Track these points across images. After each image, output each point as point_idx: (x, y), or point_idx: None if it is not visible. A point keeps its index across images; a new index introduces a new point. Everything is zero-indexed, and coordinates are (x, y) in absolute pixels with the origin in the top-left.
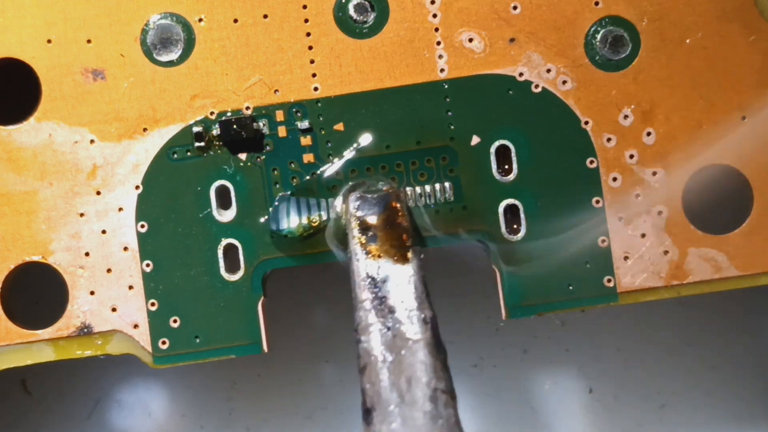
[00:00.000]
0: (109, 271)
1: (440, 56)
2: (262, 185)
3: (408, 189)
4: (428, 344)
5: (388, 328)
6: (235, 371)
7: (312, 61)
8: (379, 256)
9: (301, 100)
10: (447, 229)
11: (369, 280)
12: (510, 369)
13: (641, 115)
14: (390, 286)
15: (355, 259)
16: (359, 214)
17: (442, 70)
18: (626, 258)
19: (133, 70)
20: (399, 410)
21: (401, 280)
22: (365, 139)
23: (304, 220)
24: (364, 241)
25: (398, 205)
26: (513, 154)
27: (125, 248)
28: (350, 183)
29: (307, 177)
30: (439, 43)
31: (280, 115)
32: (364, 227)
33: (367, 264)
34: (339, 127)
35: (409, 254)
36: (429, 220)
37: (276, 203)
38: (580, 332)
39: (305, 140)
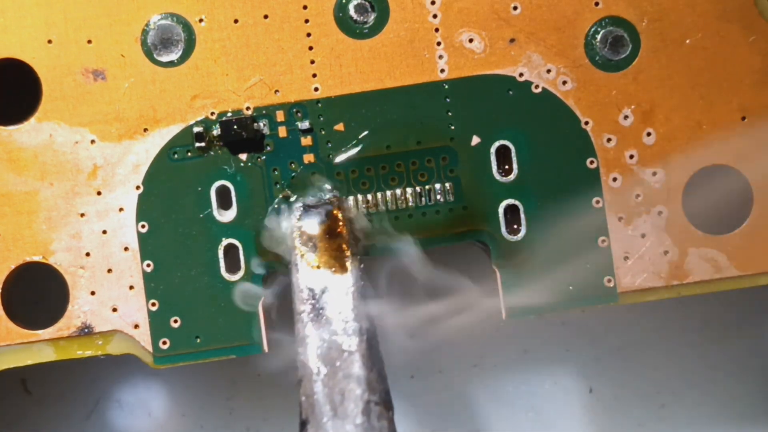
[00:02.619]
0: (109, 271)
1: (440, 56)
2: (262, 185)
3: (408, 189)
4: (363, 356)
5: (324, 340)
6: (235, 371)
7: (312, 62)
8: (318, 267)
9: (302, 101)
10: (447, 229)
11: (308, 291)
12: (510, 369)
13: (641, 115)
14: (328, 297)
15: (295, 271)
16: (299, 224)
17: (442, 71)
18: (626, 258)
19: (133, 71)
20: (332, 423)
21: (339, 291)
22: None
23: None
24: (304, 252)
25: (339, 215)
26: (513, 154)
27: (126, 248)
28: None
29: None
30: (439, 44)
31: (280, 116)
32: (305, 238)
33: (307, 275)
34: (339, 127)
35: (348, 264)
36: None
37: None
38: (580, 332)
39: (305, 140)
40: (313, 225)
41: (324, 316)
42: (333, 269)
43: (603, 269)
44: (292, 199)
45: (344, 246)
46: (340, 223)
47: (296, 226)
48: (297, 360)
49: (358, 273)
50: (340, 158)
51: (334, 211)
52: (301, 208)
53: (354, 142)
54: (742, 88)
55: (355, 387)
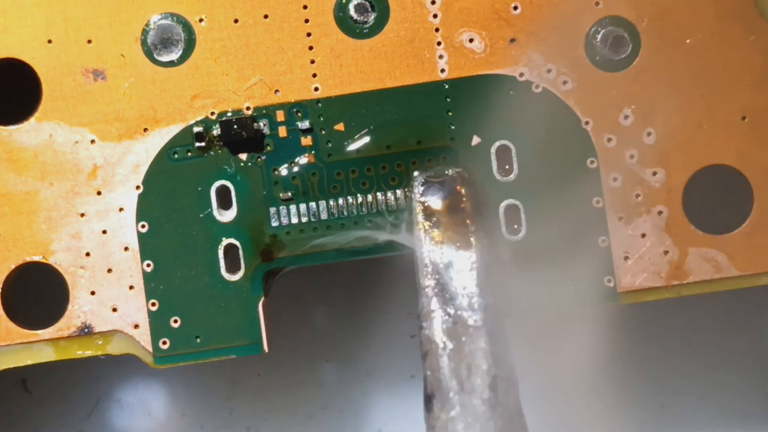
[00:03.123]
0: (109, 271)
1: (441, 56)
2: (262, 185)
3: (408, 189)
4: (489, 331)
5: (450, 315)
6: (235, 371)
7: (312, 62)
8: (442, 242)
9: (302, 100)
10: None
11: (431, 266)
12: None
13: (641, 115)
14: (452, 273)
15: (418, 246)
16: (423, 199)
17: (442, 71)
18: (626, 258)
19: (133, 71)
20: (458, 398)
21: (463, 267)
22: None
23: None
24: (427, 227)
25: (463, 190)
26: (513, 154)
27: (126, 248)
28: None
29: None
30: (439, 44)
31: (280, 115)
32: (428, 213)
33: (430, 250)
34: (339, 127)
35: (473, 239)
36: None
37: None
38: (580, 332)
39: (306, 140)
40: (436, 200)
41: (449, 291)
42: (457, 244)
43: (603, 269)
44: (415, 173)
45: (468, 221)
46: (464, 199)
47: (419, 201)
48: (421, 334)
49: (483, 248)
50: (352, 147)
51: (458, 187)
52: (423, 183)
53: (365, 131)
54: (742, 88)
55: (481, 362)
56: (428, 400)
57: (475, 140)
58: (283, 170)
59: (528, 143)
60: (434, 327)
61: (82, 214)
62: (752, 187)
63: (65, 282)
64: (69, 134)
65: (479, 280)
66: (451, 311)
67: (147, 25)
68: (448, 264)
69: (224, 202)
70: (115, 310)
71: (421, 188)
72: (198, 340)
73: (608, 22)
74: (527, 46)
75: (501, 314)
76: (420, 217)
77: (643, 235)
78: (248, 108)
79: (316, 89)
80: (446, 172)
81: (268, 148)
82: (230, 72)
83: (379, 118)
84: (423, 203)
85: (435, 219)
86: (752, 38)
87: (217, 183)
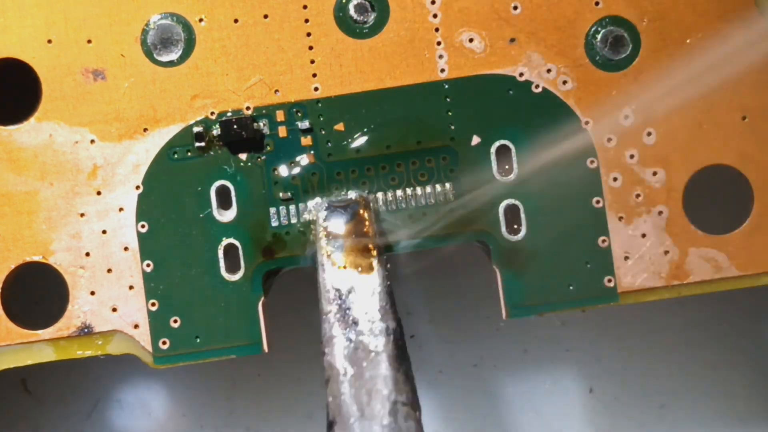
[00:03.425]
0: (109, 271)
1: (440, 56)
2: (262, 185)
3: (408, 189)
4: (390, 356)
5: (351, 341)
6: (235, 371)
7: (312, 61)
8: (345, 267)
9: (302, 100)
10: (447, 229)
11: (334, 291)
12: (510, 369)
13: (641, 115)
14: (354, 298)
15: (321, 270)
16: (326, 224)
17: (442, 70)
18: (626, 258)
19: (133, 70)
20: (359, 424)
21: (366, 291)
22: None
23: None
24: (330, 252)
25: (365, 214)
26: (513, 154)
27: (126, 248)
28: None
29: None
30: (439, 43)
31: (280, 115)
32: (331, 237)
33: (333, 275)
34: (339, 127)
35: (375, 264)
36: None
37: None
38: (580, 332)
39: (305, 140)
40: (339, 224)
41: (350, 317)
42: (359, 269)
43: (603, 269)
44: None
45: (370, 246)
46: (367, 223)
47: (322, 225)
48: (324, 360)
49: (385, 273)
50: (356, 143)
51: (361, 211)
52: (327, 207)
53: (365, 130)
54: (742, 88)
55: (382, 387)
56: (330, 427)
57: (475, 140)
58: (283, 170)
59: (528, 143)
60: (335, 353)
61: (82, 214)
62: (752, 187)
63: (65, 282)
64: (69, 134)
65: (381, 305)
66: (353, 336)
67: (147, 25)
68: (351, 289)
69: (224, 202)
70: (115, 310)
71: (325, 213)
72: (198, 340)
73: (608, 22)
74: (527, 46)
75: (402, 339)
76: (323, 242)
77: (643, 235)
78: (248, 108)
79: (316, 89)
80: (350, 196)
81: (268, 148)
82: (230, 72)
83: (378, 118)
84: (325, 227)
85: (338, 243)
86: (752, 38)
87: (217, 183)
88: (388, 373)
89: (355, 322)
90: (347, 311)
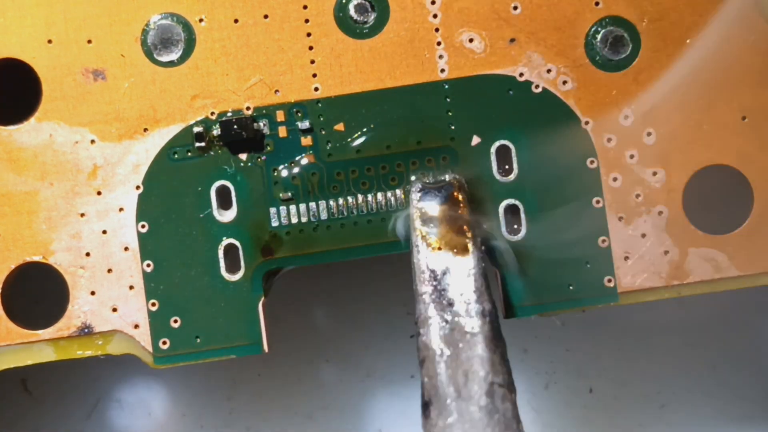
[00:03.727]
0: (109, 271)
1: (440, 56)
2: (262, 185)
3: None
4: (486, 337)
5: (447, 322)
6: (235, 371)
7: (312, 62)
8: (440, 248)
9: (302, 101)
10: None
11: (429, 272)
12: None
13: (641, 115)
14: (449, 279)
15: (416, 252)
16: (420, 205)
17: (442, 71)
18: (626, 258)
19: (133, 71)
20: (455, 404)
21: (461, 273)
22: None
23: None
24: (424, 233)
25: (460, 196)
26: (513, 154)
27: (126, 248)
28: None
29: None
30: (439, 44)
31: (280, 116)
32: (425, 219)
33: (428, 256)
34: (339, 127)
35: (470, 246)
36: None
37: None
38: (580, 332)
39: (306, 140)
40: (433, 206)
41: (446, 298)
42: (454, 250)
43: (603, 269)
44: (412, 178)
45: (465, 227)
46: (461, 205)
47: (416, 206)
48: (419, 341)
49: (480, 254)
50: (356, 142)
51: (455, 193)
52: (421, 189)
53: (365, 130)
54: (742, 88)
55: (478, 368)
56: (425, 407)
57: (475, 140)
58: (283, 170)
59: (528, 143)
60: (431, 333)
61: (82, 214)
62: (752, 187)
63: (65, 282)
64: (69, 134)
65: (476, 286)
66: (449, 318)
67: (147, 25)
68: (446, 270)
69: (224, 202)
70: (115, 310)
71: (419, 194)
72: (198, 340)
73: (608, 22)
74: (527, 46)
75: (497, 320)
76: (417, 223)
77: (643, 235)
78: (248, 108)
79: (316, 89)
80: (443, 178)
81: (268, 148)
82: (230, 72)
83: (379, 118)
84: (420, 209)
85: (432, 225)
86: (752, 38)
87: (217, 183)
88: (485, 355)
89: (451, 304)
90: (443, 292)
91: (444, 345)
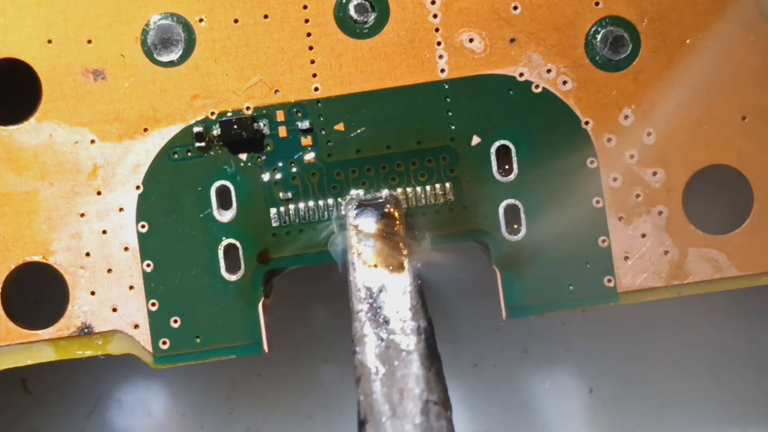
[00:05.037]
0: (109, 271)
1: (441, 56)
2: (262, 185)
3: (408, 189)
4: (421, 355)
5: (382, 339)
6: (235, 371)
7: (312, 62)
8: (375, 266)
9: (302, 100)
10: (447, 230)
11: (365, 290)
12: (510, 369)
13: (641, 115)
14: (385, 297)
15: (351, 269)
16: (356, 222)
17: (442, 71)
18: (626, 258)
19: (133, 71)
20: (391, 423)
21: (397, 290)
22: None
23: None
24: (360, 251)
25: (396, 213)
26: (513, 154)
27: (126, 248)
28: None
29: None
30: (439, 44)
31: (280, 116)
32: (361, 236)
33: (364, 274)
34: (339, 127)
35: (405, 263)
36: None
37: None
38: (580, 332)
39: (306, 140)
40: (369, 223)
41: (382, 315)
42: (390, 268)
43: (603, 269)
44: (348, 196)
45: (401, 244)
46: (397, 222)
47: (352, 224)
48: (355, 359)
49: (416, 271)
50: (356, 143)
51: (391, 210)
52: (357, 206)
53: (362, 129)
54: (742, 88)
55: (413, 386)
56: (361, 426)
57: (475, 140)
58: (282, 171)
59: (528, 143)
60: (367, 352)
61: (82, 214)
62: (752, 187)
63: (65, 282)
64: (69, 134)
65: (412, 304)
66: (384, 335)
67: (147, 25)
68: (381, 288)
69: (224, 202)
70: (115, 310)
71: (355, 211)
72: (198, 340)
73: (608, 22)
74: (527, 46)
75: (433, 337)
76: (353, 240)
77: (643, 235)
78: (248, 108)
79: (316, 89)
80: (379, 195)
81: (268, 148)
82: (230, 72)
83: (379, 118)
84: (356, 226)
85: (368, 242)
86: (752, 38)
87: (217, 183)
88: (419, 372)
89: (387, 321)
90: (378, 310)
91: (379, 363)
